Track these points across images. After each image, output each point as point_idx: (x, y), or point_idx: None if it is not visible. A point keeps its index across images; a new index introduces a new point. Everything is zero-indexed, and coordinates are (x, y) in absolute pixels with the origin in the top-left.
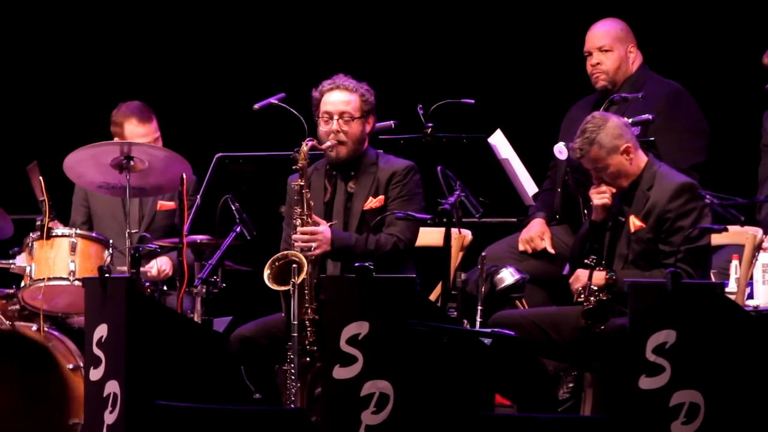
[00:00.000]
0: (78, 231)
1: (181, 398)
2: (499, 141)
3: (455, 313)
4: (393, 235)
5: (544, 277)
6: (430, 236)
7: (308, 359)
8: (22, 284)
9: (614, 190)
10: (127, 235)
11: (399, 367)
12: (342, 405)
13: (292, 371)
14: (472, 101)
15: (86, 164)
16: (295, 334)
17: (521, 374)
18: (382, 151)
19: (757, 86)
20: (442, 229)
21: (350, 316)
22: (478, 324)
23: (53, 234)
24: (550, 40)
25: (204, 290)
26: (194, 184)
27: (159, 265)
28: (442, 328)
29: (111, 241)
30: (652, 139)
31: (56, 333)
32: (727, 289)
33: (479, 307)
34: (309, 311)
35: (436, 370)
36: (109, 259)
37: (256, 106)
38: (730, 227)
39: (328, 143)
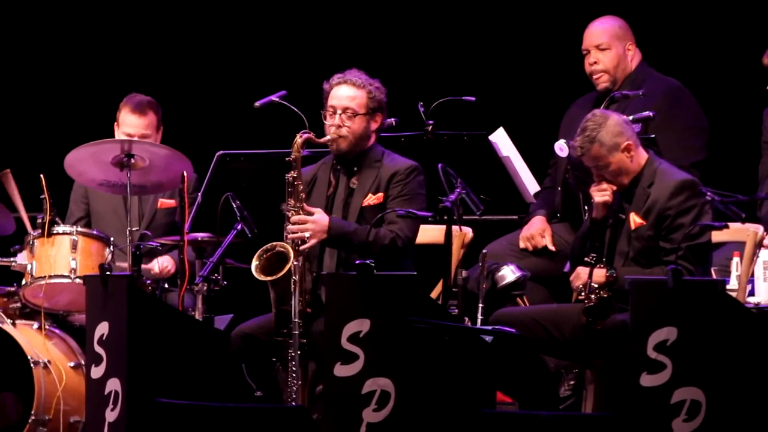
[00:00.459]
0: (79, 228)
1: (182, 396)
2: (500, 138)
3: (456, 310)
4: (392, 231)
5: (545, 274)
6: (430, 234)
7: (298, 351)
8: (23, 282)
9: (615, 188)
10: (128, 232)
11: (400, 364)
12: (343, 402)
13: (293, 370)
14: (473, 99)
15: (87, 162)
16: (297, 332)
17: (522, 371)
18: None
19: (757, 83)
20: (443, 227)
21: (351, 313)
22: (479, 321)
23: (54, 232)
24: (551, 38)
25: (205, 288)
26: (195, 182)
27: (161, 263)
28: (443, 326)
29: (112, 238)
30: (653, 136)
31: (57, 331)
32: (728, 287)
33: (480, 305)
34: (299, 303)
35: (437, 368)
36: (110, 256)
37: (257, 103)
38: (730, 224)
39: (327, 137)
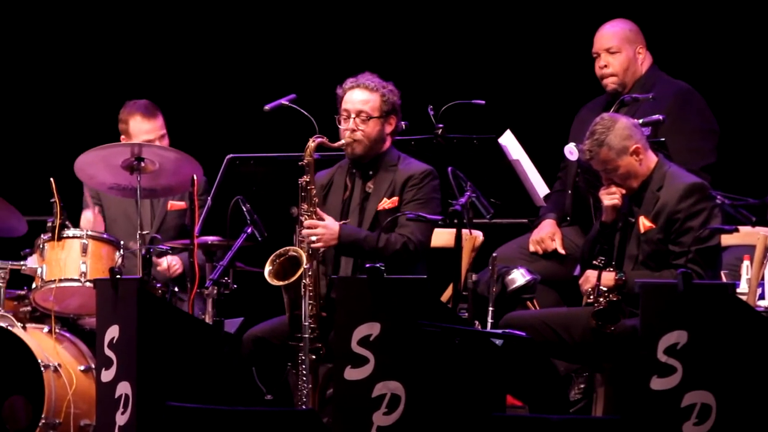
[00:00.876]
0: (89, 232)
1: (192, 399)
2: (509, 142)
3: (466, 314)
4: (404, 235)
5: (555, 278)
6: (441, 237)
7: (313, 356)
8: (34, 285)
9: (624, 191)
10: (138, 236)
11: (410, 368)
12: (353, 406)
13: (304, 373)
14: (483, 102)
15: (97, 166)
16: (307, 335)
17: (532, 375)
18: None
19: None
20: (453, 230)
21: (362, 317)
22: (489, 325)
23: (64, 235)
24: (561, 41)
25: (215, 291)
26: (205, 185)
27: (169, 260)
28: (454, 329)
29: (122, 242)
30: (663, 139)
31: (68, 334)
32: (738, 290)
33: (490, 308)
34: (312, 308)
35: (447, 371)
36: (120, 260)
37: (267, 107)
38: (741, 228)
39: (341, 141)
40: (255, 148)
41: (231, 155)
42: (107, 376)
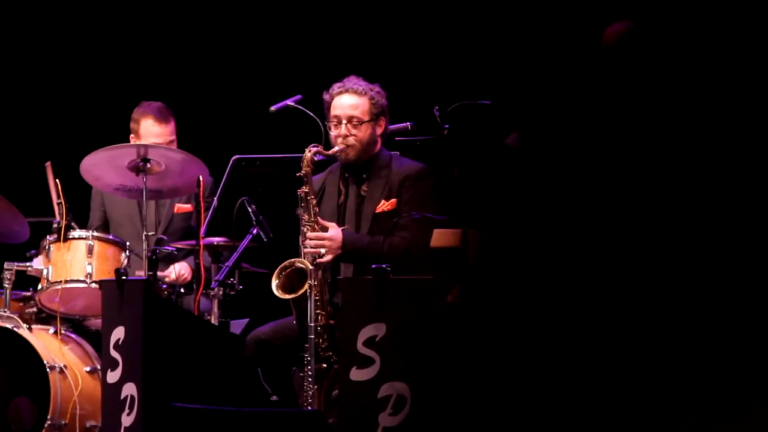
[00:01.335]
0: (95, 233)
1: (198, 400)
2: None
3: None
4: (405, 238)
5: None
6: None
7: (324, 365)
8: (39, 287)
9: None
10: (143, 237)
11: (416, 368)
12: (359, 407)
13: (309, 374)
14: (488, 102)
15: (103, 167)
16: (312, 336)
17: None
18: (397, 152)
19: None
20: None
21: (367, 317)
22: None
23: (70, 236)
24: (565, 42)
25: (221, 292)
26: (211, 186)
27: (178, 270)
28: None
29: (128, 243)
30: None
31: (73, 335)
32: None
33: None
34: (320, 317)
35: (453, 372)
36: (126, 261)
37: (273, 108)
38: None
39: (336, 148)
40: (261, 149)
41: (237, 156)
42: (113, 377)
